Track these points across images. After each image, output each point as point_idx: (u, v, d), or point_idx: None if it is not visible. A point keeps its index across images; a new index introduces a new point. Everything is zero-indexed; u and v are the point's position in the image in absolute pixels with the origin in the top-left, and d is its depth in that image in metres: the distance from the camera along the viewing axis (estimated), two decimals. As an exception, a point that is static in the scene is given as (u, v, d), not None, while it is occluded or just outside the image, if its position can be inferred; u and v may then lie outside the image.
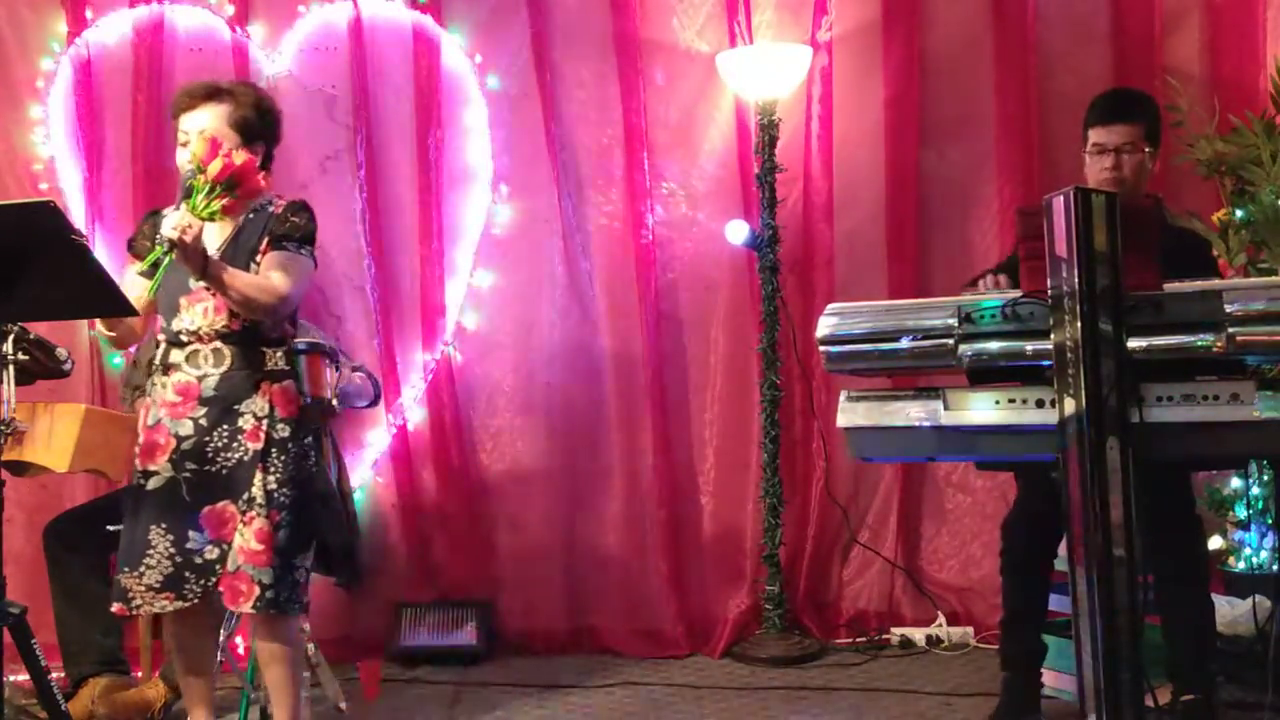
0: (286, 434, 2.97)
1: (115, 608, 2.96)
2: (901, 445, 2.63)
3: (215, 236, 3.01)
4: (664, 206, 4.50)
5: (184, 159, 2.97)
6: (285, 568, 2.95)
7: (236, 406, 2.94)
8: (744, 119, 4.41)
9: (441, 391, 4.42)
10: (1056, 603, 3.42)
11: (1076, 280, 2.32)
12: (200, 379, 2.95)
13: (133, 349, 4.11)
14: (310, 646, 3.60)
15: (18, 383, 2.99)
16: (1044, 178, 4.25)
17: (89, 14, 4.32)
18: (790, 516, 4.40)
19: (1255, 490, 4.00)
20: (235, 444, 2.93)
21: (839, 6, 4.46)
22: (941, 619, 4.40)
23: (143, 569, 2.91)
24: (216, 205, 2.79)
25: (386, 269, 4.40)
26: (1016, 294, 2.49)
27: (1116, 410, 2.32)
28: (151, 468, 2.94)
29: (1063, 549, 3.26)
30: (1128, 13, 4.47)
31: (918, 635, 4.35)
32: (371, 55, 4.40)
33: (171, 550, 2.91)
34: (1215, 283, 2.53)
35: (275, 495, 2.93)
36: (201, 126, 2.96)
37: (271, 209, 3.03)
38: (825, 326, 2.65)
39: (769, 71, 4.20)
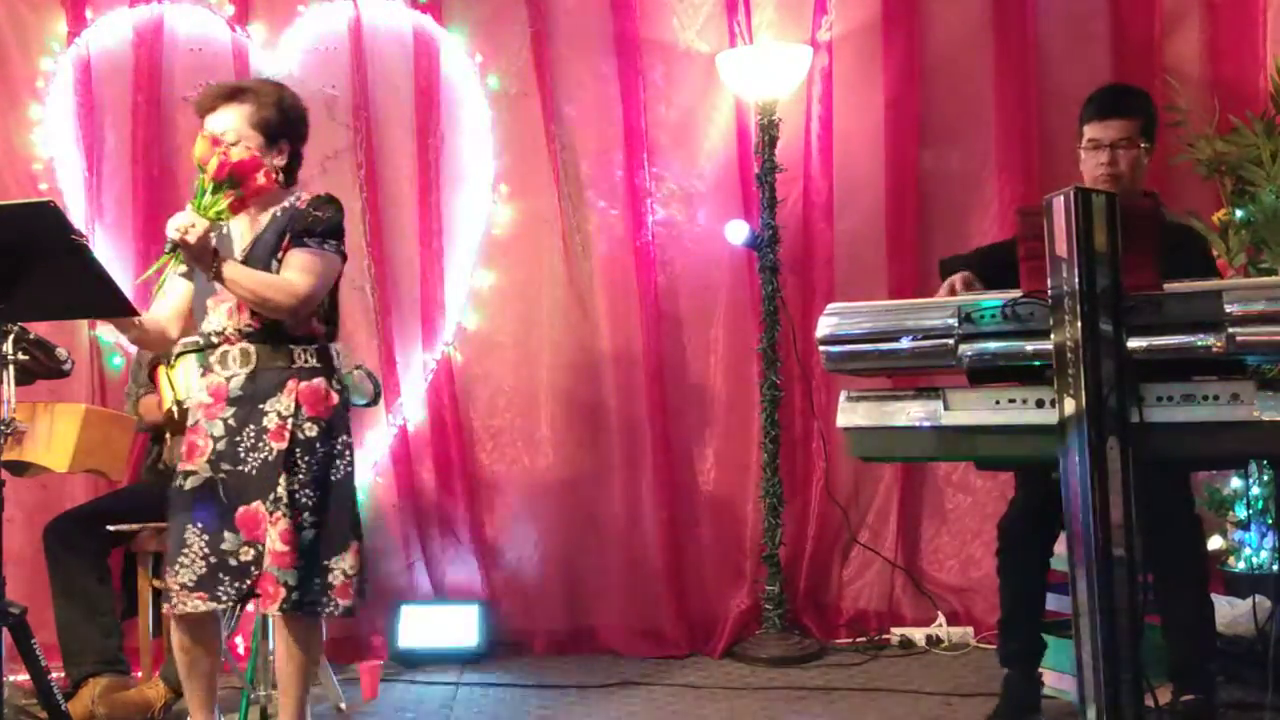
0: (314, 434, 2.95)
1: (165, 609, 3.00)
2: (902, 445, 2.63)
3: (241, 234, 3.01)
4: (664, 206, 4.50)
5: None
6: (314, 570, 2.93)
7: (262, 406, 2.94)
8: (744, 119, 4.41)
9: (441, 391, 4.42)
10: (1056, 602, 3.42)
11: (1076, 280, 2.32)
12: (229, 380, 2.96)
13: (132, 350, 4.12)
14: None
15: (18, 383, 2.99)
16: (1044, 177, 4.25)
17: (89, 14, 4.31)
18: (790, 516, 4.40)
19: (1255, 490, 4.00)
20: (261, 444, 2.93)
21: (839, 7, 4.46)
22: (941, 619, 4.40)
23: (178, 568, 2.92)
24: (222, 204, 2.79)
25: (387, 269, 4.39)
26: (1016, 293, 2.49)
27: (1116, 410, 2.32)
28: (190, 468, 2.96)
29: (1062, 548, 3.26)
30: (1127, 13, 4.48)
31: (918, 635, 4.35)
32: (371, 55, 4.39)
33: (206, 550, 2.91)
34: (1215, 283, 2.53)
35: (298, 496, 2.92)
36: (225, 128, 2.94)
37: (296, 204, 3.01)
38: (825, 326, 2.65)
39: (769, 71, 4.20)
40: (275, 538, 2.88)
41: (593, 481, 4.47)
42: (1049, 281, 2.39)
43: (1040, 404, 2.44)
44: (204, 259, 2.80)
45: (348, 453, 3.04)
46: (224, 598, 2.92)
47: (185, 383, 3.38)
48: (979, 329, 2.50)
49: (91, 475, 3.93)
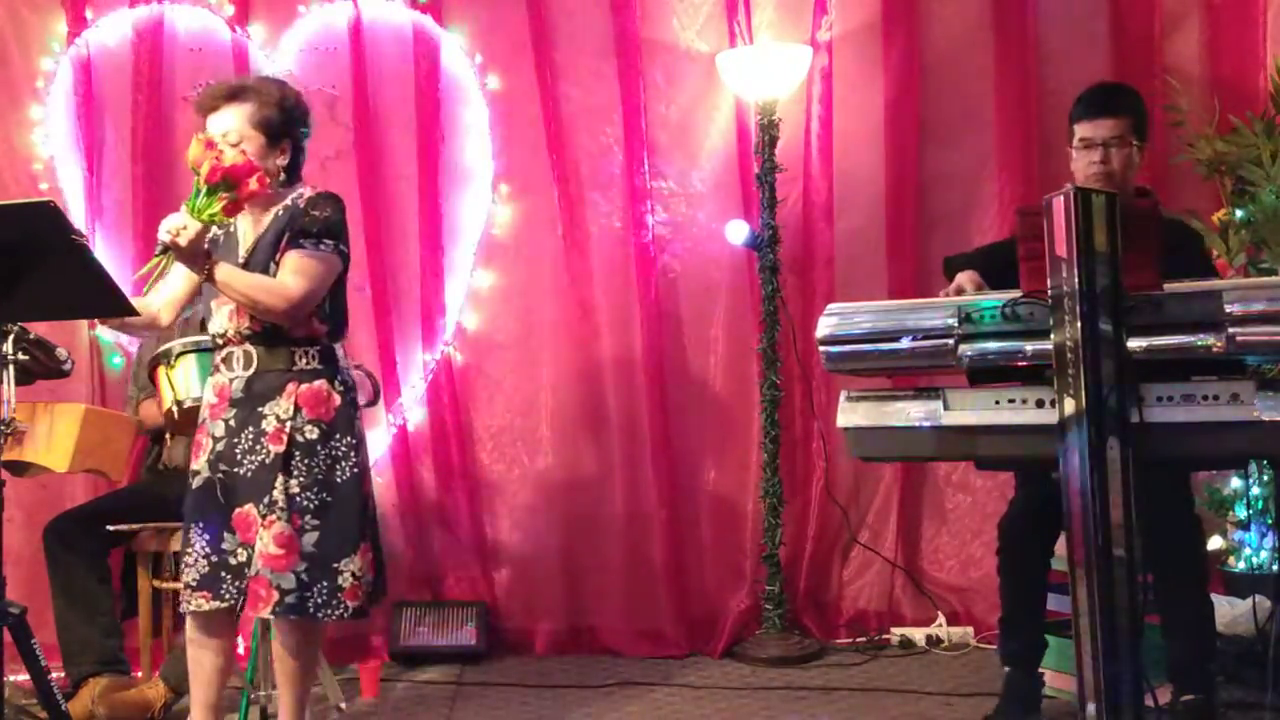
0: (315, 436, 2.92)
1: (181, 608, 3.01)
2: (901, 445, 2.63)
3: (245, 235, 3.01)
4: (664, 206, 4.50)
5: None
6: (322, 572, 2.90)
7: (261, 409, 2.93)
8: (744, 119, 4.41)
9: (441, 391, 4.42)
10: (1056, 602, 3.42)
11: (1076, 280, 2.32)
12: (231, 381, 2.96)
13: (132, 349, 4.12)
14: (310, 646, 3.60)
15: (18, 383, 2.99)
16: (1044, 177, 4.25)
17: (89, 14, 4.31)
18: (790, 516, 4.40)
19: (1255, 490, 4.00)
20: (258, 447, 2.92)
21: (839, 6, 4.46)
22: (941, 619, 4.40)
23: (184, 568, 2.94)
24: (215, 207, 2.77)
25: (387, 269, 4.39)
26: (1016, 293, 2.49)
27: (1116, 410, 2.32)
28: (195, 467, 2.97)
29: (1062, 549, 3.26)
30: (1128, 12, 4.48)
31: (918, 635, 4.35)
32: (371, 55, 4.39)
33: (207, 550, 2.92)
34: (1215, 283, 2.53)
35: (298, 499, 2.90)
36: (226, 128, 2.93)
37: (297, 203, 3.00)
38: (825, 326, 2.65)
39: (769, 71, 4.20)
40: (268, 541, 2.87)
41: (593, 481, 4.46)
42: (1049, 281, 2.39)
43: (1040, 404, 2.44)
44: (196, 261, 2.79)
45: (353, 454, 2.98)
46: (228, 596, 2.92)
47: (185, 383, 3.38)
48: (979, 329, 2.50)
49: (91, 475, 3.92)
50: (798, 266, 4.46)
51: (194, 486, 2.96)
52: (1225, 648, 3.56)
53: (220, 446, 2.94)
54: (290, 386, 2.93)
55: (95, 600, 3.68)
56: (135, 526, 3.70)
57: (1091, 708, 2.34)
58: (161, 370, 3.66)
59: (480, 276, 4.46)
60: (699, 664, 4.22)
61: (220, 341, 2.99)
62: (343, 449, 2.97)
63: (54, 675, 2.95)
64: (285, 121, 2.99)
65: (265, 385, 2.94)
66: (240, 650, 3.86)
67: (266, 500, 2.89)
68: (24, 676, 3.02)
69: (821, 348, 2.66)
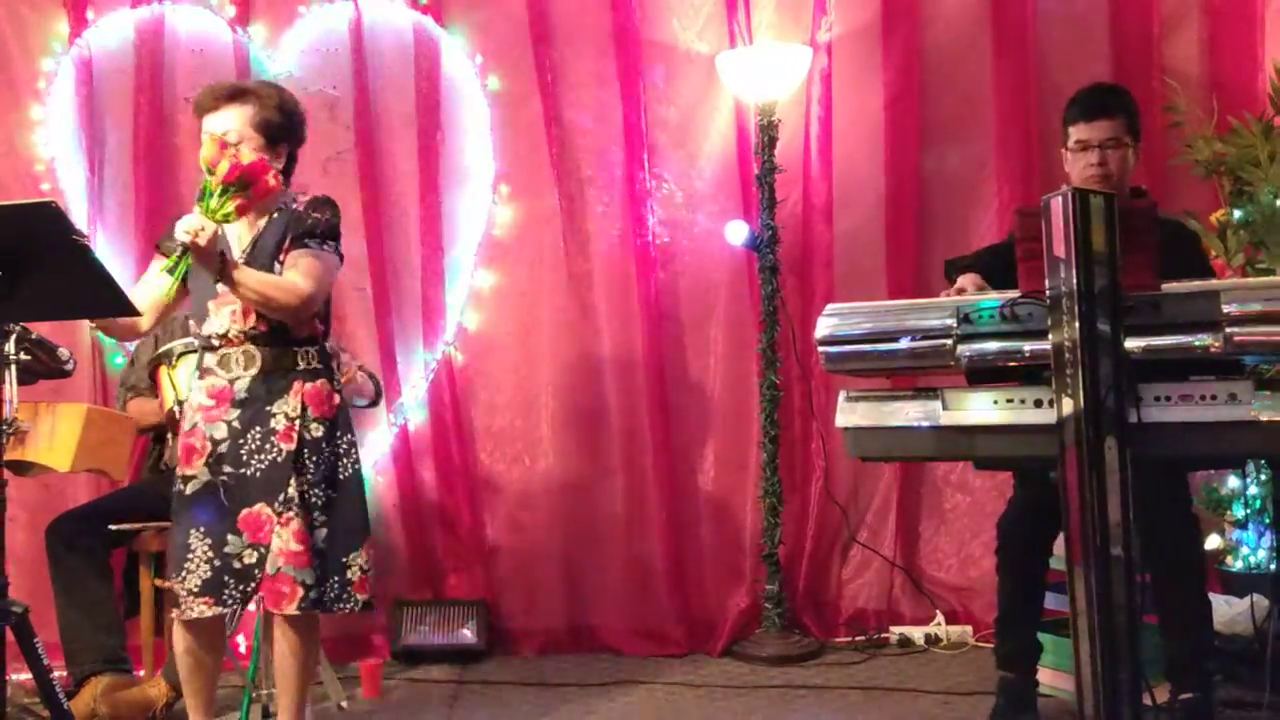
0: (320, 434, 2.96)
1: (173, 614, 3.01)
2: (900, 445, 2.64)
3: (240, 237, 3.02)
4: (664, 206, 4.51)
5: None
6: (333, 567, 2.95)
7: (269, 408, 2.94)
8: (743, 119, 4.42)
9: (442, 391, 4.43)
10: (1054, 601, 3.43)
11: (1074, 280, 2.33)
12: (232, 382, 2.96)
13: (130, 348, 4.13)
14: (311, 645, 3.61)
15: (20, 382, 3.00)
16: (1043, 178, 4.25)
17: (90, 15, 4.32)
18: (790, 516, 4.41)
19: (1253, 490, 4.01)
20: (269, 445, 2.93)
21: (838, 7, 4.46)
22: (940, 618, 4.41)
23: (184, 574, 2.92)
24: (230, 206, 2.79)
25: (387, 269, 4.40)
26: (1014, 294, 2.50)
27: (1114, 410, 2.32)
28: (189, 472, 2.95)
29: (1061, 548, 3.27)
30: (1126, 13, 4.48)
31: (916, 634, 4.36)
32: (372, 56, 4.40)
33: (210, 554, 2.91)
34: (1213, 283, 2.54)
35: (309, 495, 2.93)
36: (226, 128, 2.95)
37: (295, 207, 3.02)
38: (824, 327, 2.66)
39: (768, 72, 4.21)
40: (289, 538, 2.89)
41: (593, 481, 4.47)
42: (1047, 282, 2.39)
43: (1038, 404, 2.45)
44: (211, 261, 2.80)
45: (353, 450, 3.06)
46: (230, 601, 2.92)
47: (188, 383, 3.39)
48: (977, 329, 2.51)
49: (93, 475, 3.93)
50: (797, 267, 4.47)
51: (188, 491, 2.94)
52: (1223, 647, 3.57)
53: (223, 449, 2.93)
54: (296, 385, 2.96)
55: (97, 599, 3.68)
56: (137, 526, 3.70)
57: (1089, 706, 2.35)
58: (163, 370, 3.67)
59: (481, 277, 4.47)
60: (698, 663, 4.23)
61: (216, 343, 2.98)
62: (344, 446, 3.03)
63: (56, 674, 2.95)
64: (285, 125, 3.03)
65: (273, 385, 2.95)
66: (242, 649, 3.88)
67: (282, 498, 2.90)
68: (26, 676, 3.03)
69: (821, 348, 2.67)
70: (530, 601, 4.43)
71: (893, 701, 3.75)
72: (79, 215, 4.25)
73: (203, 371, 3.00)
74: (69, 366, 3.64)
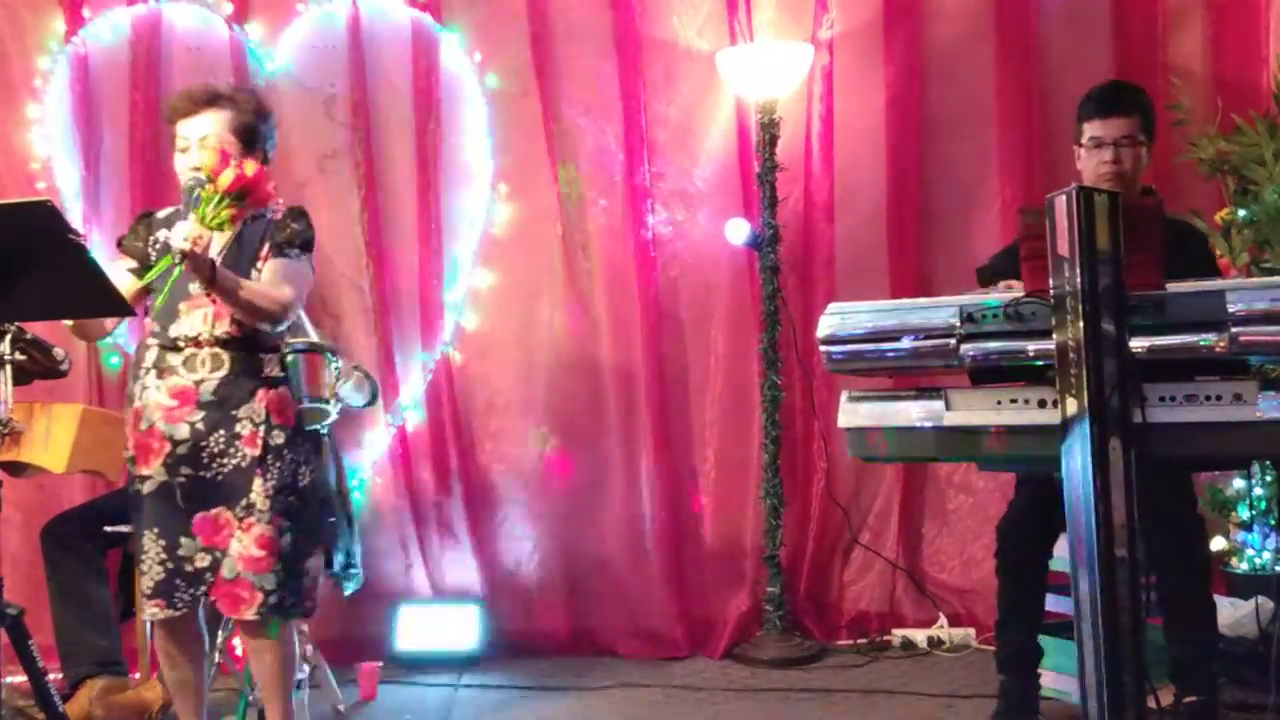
0: (282, 440, 2.97)
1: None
2: (903, 446, 2.62)
3: (216, 243, 2.99)
4: (664, 206, 4.49)
5: (183, 164, 2.97)
6: (290, 573, 2.95)
7: (235, 412, 2.92)
8: (744, 118, 4.40)
9: (440, 392, 4.41)
10: (1057, 603, 3.41)
11: (1079, 280, 2.31)
12: (198, 383, 2.93)
13: (130, 349, 4.10)
14: (309, 647, 3.60)
15: (15, 383, 2.98)
16: (1045, 176, 4.24)
17: (86, 13, 4.31)
18: (791, 517, 4.39)
19: (1258, 491, 3.99)
20: (233, 449, 2.91)
21: (840, 5, 4.45)
22: (943, 620, 4.39)
23: (140, 574, 2.91)
24: (225, 215, 2.79)
25: (385, 269, 4.38)
26: (1018, 294, 2.48)
27: (1119, 410, 2.30)
28: (145, 472, 2.92)
29: (1063, 549, 3.25)
30: (1130, 11, 4.47)
31: (919, 637, 4.34)
32: (370, 54, 4.38)
33: (163, 556, 2.90)
34: (1218, 282, 2.51)
35: (274, 501, 2.92)
36: (203, 133, 2.95)
37: (270, 215, 3.02)
38: (826, 326, 2.63)
39: (770, 70, 4.19)
40: (249, 543, 2.88)
41: (593, 481, 4.45)
42: (1051, 281, 2.37)
43: (1042, 404, 2.43)
44: (204, 268, 2.79)
45: (312, 458, 3.10)
46: (180, 605, 2.91)
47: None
48: (981, 329, 2.48)
49: (89, 476, 3.92)
50: (799, 266, 4.45)
51: (144, 491, 2.92)
52: (1228, 649, 3.55)
53: (183, 450, 2.90)
54: (261, 392, 2.96)
55: (93, 601, 3.66)
56: (132, 527, 3.68)
57: (1093, 709, 2.32)
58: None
59: (480, 276, 4.45)
60: (699, 665, 4.21)
61: (183, 344, 2.94)
62: (303, 454, 3.05)
63: (51, 676, 2.95)
64: (262, 131, 3.04)
65: (238, 389, 2.94)
66: (238, 652, 3.86)
67: (244, 503, 2.90)
68: (21, 678, 3.00)
69: (822, 347, 2.65)
70: (529, 604, 4.41)
71: (894, 705, 3.73)
72: (75, 214, 4.24)
73: (163, 371, 2.95)
74: (64, 367, 3.63)
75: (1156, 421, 2.34)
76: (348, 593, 3.79)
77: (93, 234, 4.22)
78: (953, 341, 2.50)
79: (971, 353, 2.49)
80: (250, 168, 2.82)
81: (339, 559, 3.93)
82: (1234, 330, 2.31)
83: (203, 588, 2.90)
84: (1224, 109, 4.25)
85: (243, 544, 2.88)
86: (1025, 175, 4.38)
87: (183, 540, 2.90)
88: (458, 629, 4.26)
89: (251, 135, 2.99)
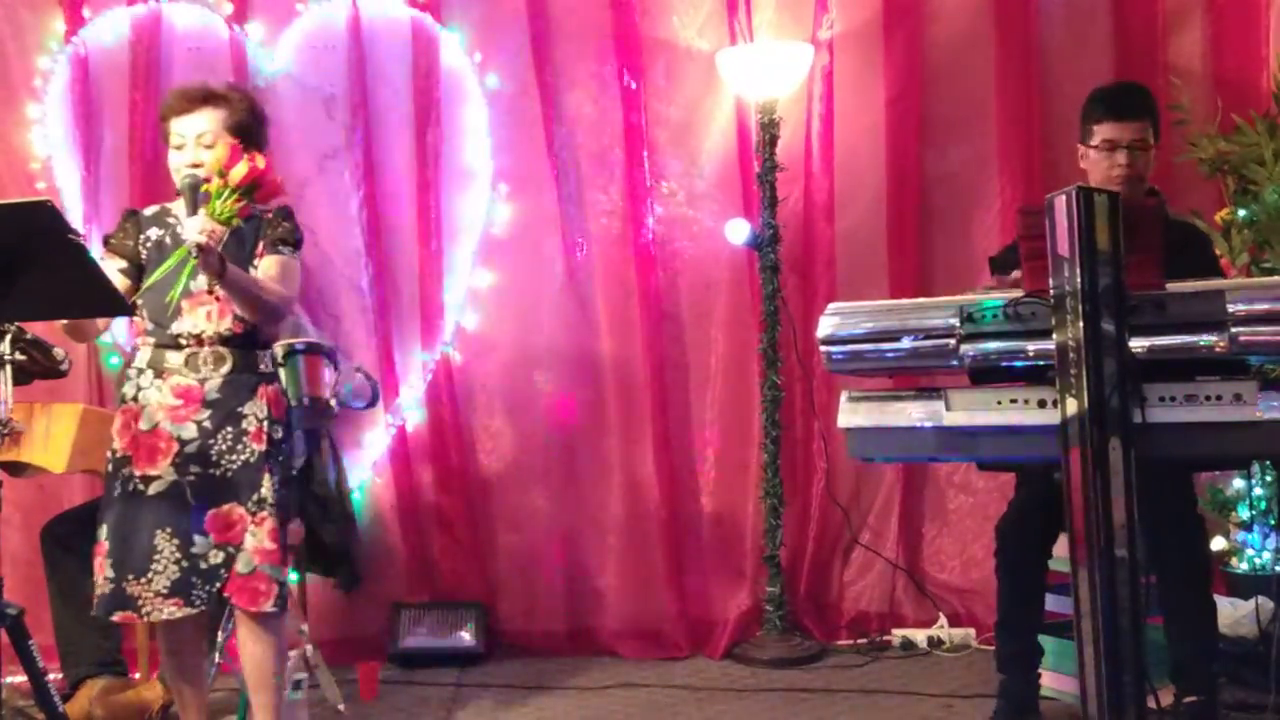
0: (280, 436, 3.00)
1: (119, 616, 2.97)
2: (903, 446, 2.62)
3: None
4: (664, 206, 4.49)
5: (178, 161, 2.98)
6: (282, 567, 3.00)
7: (240, 409, 2.94)
8: (744, 118, 4.39)
9: (440, 392, 4.41)
10: (1057, 603, 3.41)
11: (1078, 280, 2.31)
12: (202, 382, 2.94)
13: (129, 349, 4.10)
14: (309, 647, 3.60)
15: (15, 383, 2.98)
16: (1046, 176, 4.23)
17: (86, 13, 4.30)
18: (791, 517, 4.39)
19: (1258, 491, 3.99)
20: (240, 446, 2.93)
21: (840, 5, 4.44)
22: (943, 620, 4.38)
23: (151, 575, 2.90)
24: (235, 209, 2.80)
25: (385, 268, 4.38)
26: (1018, 294, 2.48)
27: (1119, 410, 2.30)
28: (152, 472, 2.92)
29: (1063, 549, 3.25)
30: (1130, 11, 4.46)
31: (919, 637, 4.34)
32: (370, 54, 4.38)
33: (178, 555, 2.90)
34: (1218, 282, 2.52)
35: (278, 495, 2.95)
36: (199, 130, 2.97)
37: (262, 213, 3.03)
38: (826, 326, 2.64)
39: (770, 70, 4.19)
40: (264, 537, 2.91)
41: (592, 481, 4.45)
42: (1051, 281, 2.37)
43: (1042, 404, 2.43)
44: (214, 264, 2.79)
45: (293, 455, 3.16)
46: (198, 602, 2.92)
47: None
48: (980, 329, 2.49)
49: (89, 476, 3.91)
50: (799, 266, 4.45)
51: (150, 492, 2.91)
52: (1228, 649, 3.55)
53: (191, 448, 2.91)
54: (261, 388, 2.98)
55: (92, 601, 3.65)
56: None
57: (1093, 709, 2.32)
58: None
59: (479, 276, 4.45)
60: (699, 665, 4.21)
61: (185, 342, 2.95)
62: (290, 449, 3.10)
63: (51, 677, 2.94)
64: (257, 129, 3.05)
65: (241, 386, 2.96)
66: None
67: (255, 498, 2.91)
68: (22, 678, 3.00)
69: (822, 347, 2.65)
70: (529, 603, 4.41)
71: (894, 705, 3.73)
72: (75, 214, 4.23)
73: (163, 370, 2.95)
74: (64, 367, 3.63)
75: (1156, 421, 2.34)
76: (348, 593, 3.80)
77: (93, 234, 4.21)
78: (953, 341, 2.50)
79: (971, 353, 2.50)
80: (261, 161, 2.83)
81: (339, 559, 3.93)
82: (1234, 330, 2.32)
83: (217, 584, 2.90)
84: (1224, 109, 4.25)
85: (257, 538, 2.90)
86: (1025, 174, 4.38)
87: (196, 538, 2.90)
88: (458, 629, 4.25)
89: (246, 133, 3.00)
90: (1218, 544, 3.99)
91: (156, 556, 2.90)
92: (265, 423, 2.95)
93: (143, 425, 2.94)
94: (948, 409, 2.52)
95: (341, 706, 3.69)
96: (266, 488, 2.92)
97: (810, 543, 4.45)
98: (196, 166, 2.92)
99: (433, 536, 4.41)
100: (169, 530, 2.90)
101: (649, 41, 4.45)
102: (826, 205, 4.46)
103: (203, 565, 2.90)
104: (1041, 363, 2.44)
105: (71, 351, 3.69)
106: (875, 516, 4.51)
